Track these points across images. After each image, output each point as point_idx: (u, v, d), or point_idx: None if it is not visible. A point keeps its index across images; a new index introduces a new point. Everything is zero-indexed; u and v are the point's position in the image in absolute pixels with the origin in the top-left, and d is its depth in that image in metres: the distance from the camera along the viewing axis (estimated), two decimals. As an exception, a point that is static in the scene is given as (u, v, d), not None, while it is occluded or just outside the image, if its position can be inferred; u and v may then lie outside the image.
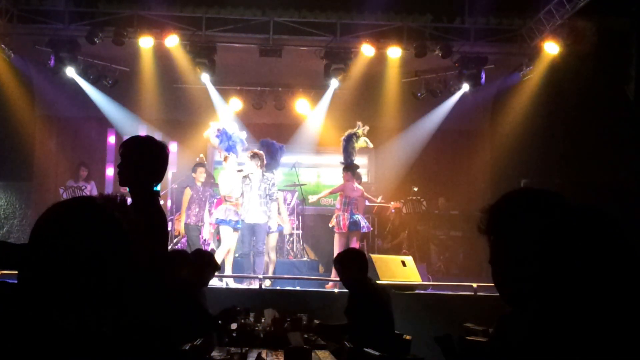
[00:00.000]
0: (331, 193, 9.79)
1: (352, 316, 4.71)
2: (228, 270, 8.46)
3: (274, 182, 8.68)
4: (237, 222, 8.49)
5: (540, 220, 1.53)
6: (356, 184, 9.46)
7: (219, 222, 8.57)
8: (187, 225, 9.40)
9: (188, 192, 9.36)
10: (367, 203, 10.10)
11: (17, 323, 1.32)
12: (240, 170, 8.61)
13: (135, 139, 3.18)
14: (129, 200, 2.97)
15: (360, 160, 10.79)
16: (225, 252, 8.44)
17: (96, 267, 1.37)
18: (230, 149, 8.74)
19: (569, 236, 1.48)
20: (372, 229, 10.00)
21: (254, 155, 8.49)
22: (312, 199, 10.19)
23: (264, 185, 8.45)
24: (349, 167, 9.47)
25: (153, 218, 2.92)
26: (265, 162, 8.59)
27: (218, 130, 8.86)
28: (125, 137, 3.86)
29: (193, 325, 4.27)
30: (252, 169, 8.47)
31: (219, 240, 9.50)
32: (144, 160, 3.02)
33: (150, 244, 2.85)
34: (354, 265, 4.79)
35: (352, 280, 4.79)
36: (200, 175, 9.50)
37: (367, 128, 9.67)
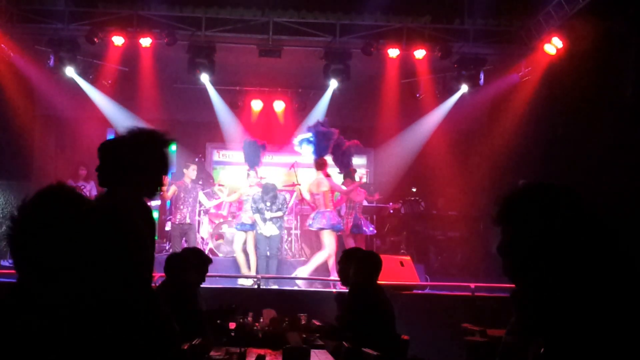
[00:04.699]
0: (339, 204, 9.65)
1: (351, 316, 4.70)
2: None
3: (285, 201, 9.34)
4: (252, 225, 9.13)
5: (548, 216, 1.56)
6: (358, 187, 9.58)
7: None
8: (172, 224, 9.35)
9: (173, 189, 9.25)
10: (365, 203, 10.12)
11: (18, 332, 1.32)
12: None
13: (113, 141, 3.07)
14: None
15: (359, 160, 10.80)
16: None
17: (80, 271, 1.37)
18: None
19: (573, 237, 1.50)
20: (375, 232, 9.95)
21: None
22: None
23: (276, 207, 9.06)
24: (348, 174, 9.54)
25: (137, 220, 2.88)
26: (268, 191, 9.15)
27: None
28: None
29: (191, 324, 4.28)
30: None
31: (217, 240, 9.52)
32: (126, 161, 2.87)
33: (136, 245, 2.82)
34: (371, 269, 4.72)
35: (363, 283, 4.71)
36: (192, 172, 9.44)
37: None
